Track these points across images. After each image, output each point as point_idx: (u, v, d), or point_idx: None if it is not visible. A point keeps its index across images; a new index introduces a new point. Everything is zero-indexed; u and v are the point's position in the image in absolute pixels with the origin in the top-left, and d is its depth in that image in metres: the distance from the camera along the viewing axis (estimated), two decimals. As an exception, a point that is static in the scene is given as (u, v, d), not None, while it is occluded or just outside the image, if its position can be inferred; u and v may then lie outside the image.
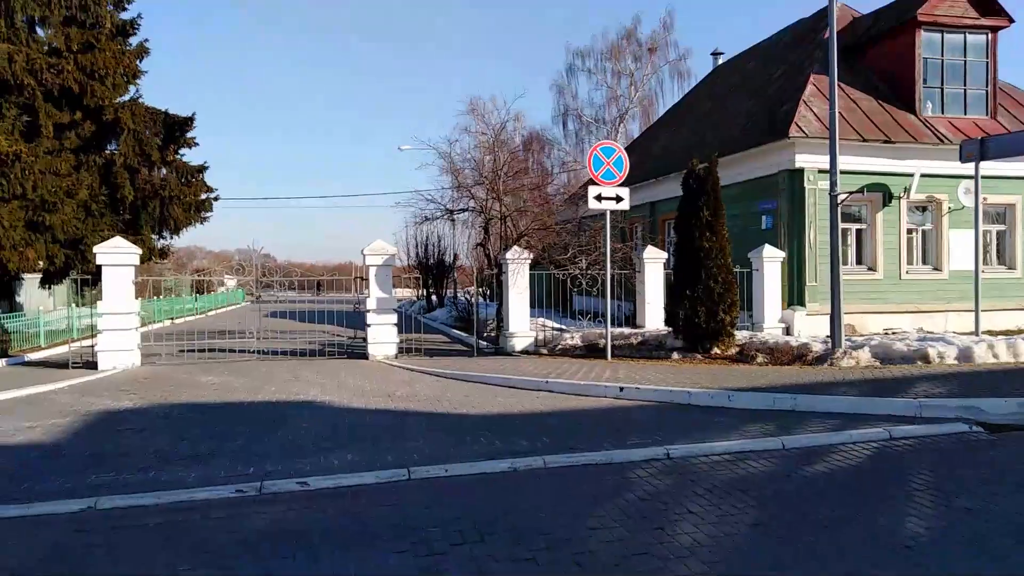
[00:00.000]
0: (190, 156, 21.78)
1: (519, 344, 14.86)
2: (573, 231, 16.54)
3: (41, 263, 16.47)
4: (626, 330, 14.84)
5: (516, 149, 17.71)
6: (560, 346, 15.34)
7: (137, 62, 20.93)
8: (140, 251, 13.74)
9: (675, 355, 12.76)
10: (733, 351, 12.81)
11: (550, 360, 12.99)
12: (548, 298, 16.92)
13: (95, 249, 13.02)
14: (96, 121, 18.68)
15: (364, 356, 14.35)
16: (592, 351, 14.59)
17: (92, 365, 12.86)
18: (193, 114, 19.90)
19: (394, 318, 14.49)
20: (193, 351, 14.97)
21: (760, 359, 12.03)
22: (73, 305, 18.52)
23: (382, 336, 14.38)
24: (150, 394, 9.91)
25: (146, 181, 19.32)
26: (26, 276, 21.13)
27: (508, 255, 14.88)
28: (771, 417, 7.69)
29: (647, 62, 38.44)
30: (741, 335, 13.35)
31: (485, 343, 15.64)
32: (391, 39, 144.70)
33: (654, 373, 10.47)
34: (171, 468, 5.99)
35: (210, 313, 35.71)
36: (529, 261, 15.07)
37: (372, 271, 14.44)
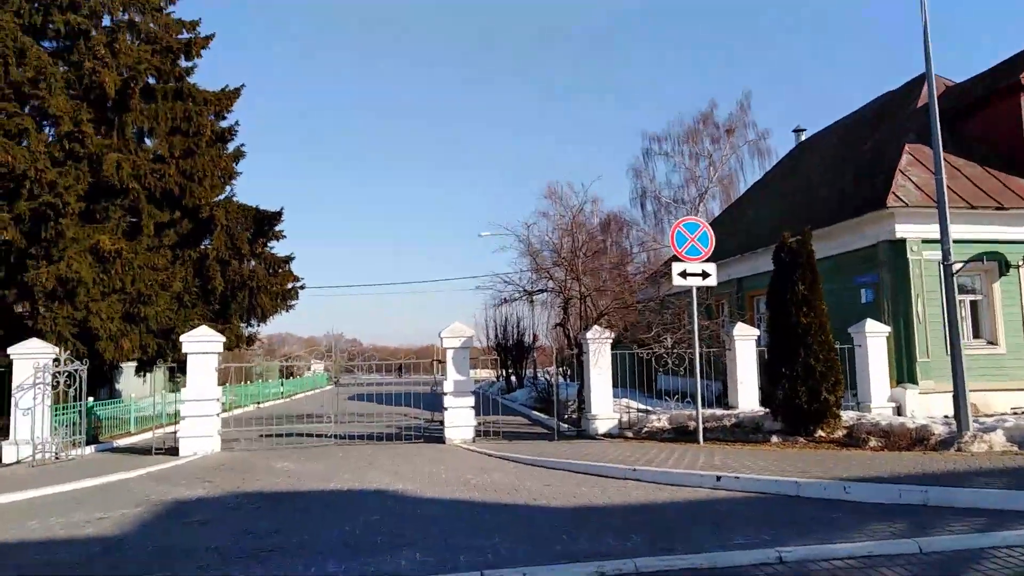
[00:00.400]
0: (277, 248, 22.52)
1: (602, 427, 14.07)
2: (656, 309, 15.87)
3: (135, 352, 17.04)
4: (717, 411, 13.82)
5: (594, 230, 17.43)
6: (646, 428, 14.44)
7: (233, 164, 22.19)
8: (224, 339, 13.97)
9: (774, 438, 11.67)
10: (839, 434, 11.62)
11: (636, 444, 12.13)
12: (631, 378, 16.13)
13: (181, 338, 13.31)
14: (193, 219, 19.67)
15: (441, 440, 13.87)
16: (682, 434, 13.62)
17: (174, 451, 12.90)
18: (281, 209, 20.71)
19: (471, 400, 14.04)
20: (272, 436, 14.89)
21: (873, 443, 10.81)
22: (164, 392, 19.04)
23: (459, 419, 13.90)
24: (224, 482, 9.69)
25: (236, 273, 19.99)
26: (123, 364, 22.05)
27: (588, 334, 14.32)
28: (899, 513, 6.65)
29: (725, 143, 38.15)
30: (848, 416, 12.14)
31: (566, 426, 14.91)
32: (467, 124, 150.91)
33: (753, 459, 9.49)
34: (229, 567, 5.58)
35: (295, 397, 36.28)
36: (611, 340, 14.45)
37: (449, 354, 14.14)
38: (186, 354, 13.27)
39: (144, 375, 22.18)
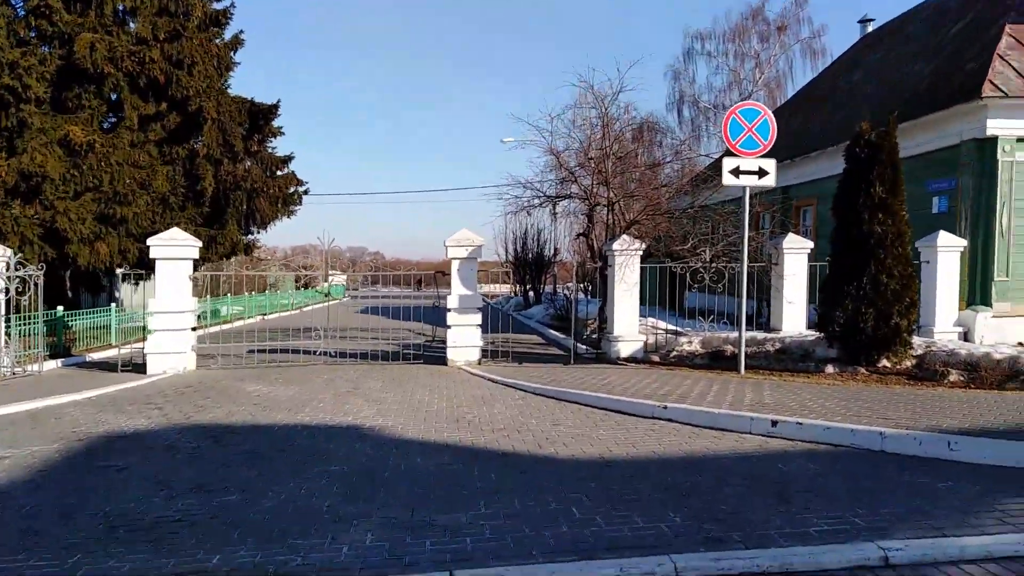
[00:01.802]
0: (276, 148, 20.57)
1: (625, 349, 12.40)
2: (693, 218, 13.82)
3: (115, 258, 15.53)
4: (758, 334, 12.02)
5: (625, 129, 15.15)
6: (675, 353, 12.75)
7: (231, 54, 19.98)
8: (198, 243, 12.31)
9: (829, 368, 9.89)
10: (907, 364, 9.82)
11: (664, 372, 10.44)
12: (657, 295, 14.38)
13: (148, 241, 11.66)
14: (182, 112, 17.72)
15: (443, 361, 12.33)
16: (717, 360, 11.90)
17: (142, 368, 11.52)
18: (278, 101, 18.68)
19: (478, 318, 12.37)
20: (264, 351, 13.46)
21: (953, 377, 9.00)
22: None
23: (463, 339, 12.29)
24: (177, 410, 8.22)
25: (228, 173, 18.20)
26: (119, 271, 20.70)
27: (615, 245, 12.45)
28: (1032, 483, 4.89)
29: (775, 42, 34.90)
30: (916, 342, 10.29)
31: (585, 347, 13.26)
32: (495, 28, 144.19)
33: (811, 396, 7.74)
34: (108, 549, 4.03)
35: (305, 309, 35.12)
36: (640, 252, 12.57)
37: (455, 265, 12.39)
38: (154, 259, 11.68)
39: (137, 283, 20.89)
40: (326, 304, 39.85)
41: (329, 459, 5.92)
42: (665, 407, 7.36)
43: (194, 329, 12.14)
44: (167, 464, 5.86)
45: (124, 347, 12.75)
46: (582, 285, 25.24)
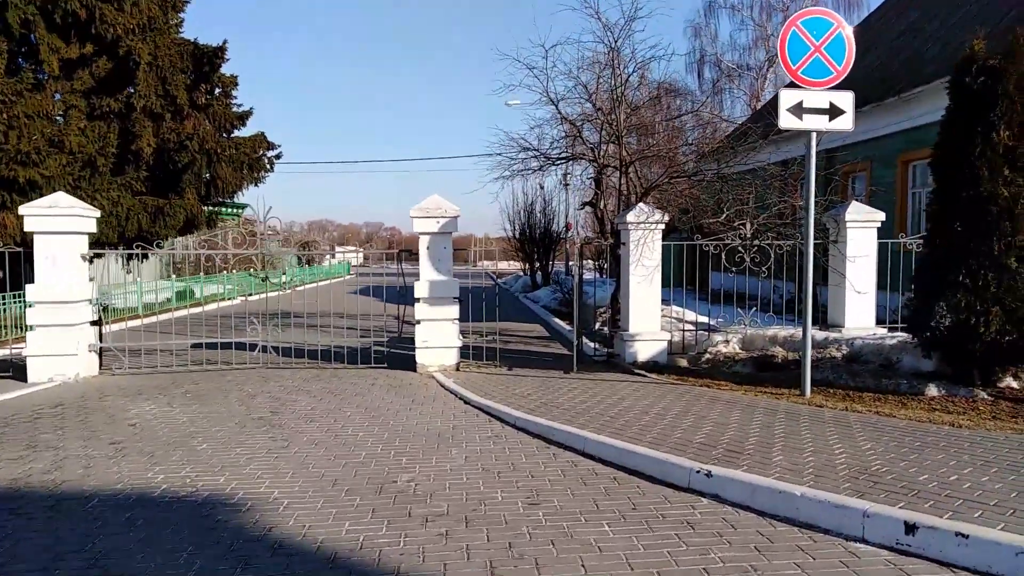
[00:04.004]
0: (240, 103, 17.74)
1: (643, 351, 9.71)
2: (729, 180, 10.90)
3: (19, 232, 12.87)
4: (817, 332, 9.22)
5: (641, 70, 12.23)
6: (708, 356, 10.04)
7: (175, -11, 17.15)
8: (95, 212, 9.63)
9: (931, 390, 7.11)
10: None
11: (696, 388, 7.69)
12: (676, 274, 11.61)
13: (21, 209, 8.98)
14: (112, 56, 14.96)
15: (412, 363, 9.66)
16: (764, 368, 9.18)
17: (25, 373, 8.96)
18: (225, 42, 15.74)
19: (454, 310, 9.65)
20: (212, 346, 10.84)
21: None
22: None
23: (436, 337, 9.59)
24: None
25: (172, 130, 15.46)
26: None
27: (630, 217, 9.69)
28: None
29: (806, -8, 31.41)
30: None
31: (593, 345, 10.55)
32: None
33: (939, 452, 4.95)
34: None
35: (299, 288, 32.47)
36: (662, 227, 9.81)
37: (423, 242, 9.67)
38: (31, 234, 9.04)
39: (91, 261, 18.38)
40: (329, 282, 37.30)
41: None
42: (709, 474, 4.61)
43: (95, 323, 9.51)
44: None
45: (18, 344, 10.14)
46: (594, 263, 22.43)
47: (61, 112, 13.63)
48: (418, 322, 9.62)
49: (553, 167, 13.24)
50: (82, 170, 13.43)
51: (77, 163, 13.24)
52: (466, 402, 7.62)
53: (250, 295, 25.24)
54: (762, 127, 11.25)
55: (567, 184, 31.81)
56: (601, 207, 12.51)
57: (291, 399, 7.82)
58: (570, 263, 31.14)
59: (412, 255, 10.18)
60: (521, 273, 34.89)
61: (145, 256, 18.41)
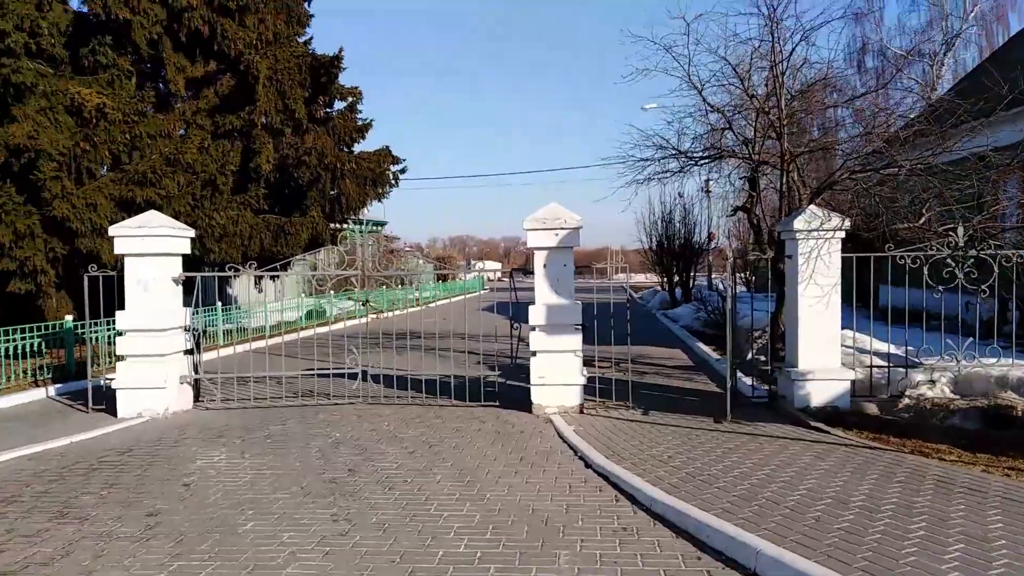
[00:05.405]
0: (363, 115, 17.18)
1: (818, 394, 7.60)
2: (938, 175, 8.42)
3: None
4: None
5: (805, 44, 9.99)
6: (907, 402, 7.72)
7: (304, 2, 16.90)
8: (189, 232, 8.91)
9: None
10: None
11: (907, 459, 5.53)
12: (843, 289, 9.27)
13: (111, 230, 8.36)
14: (235, 73, 14.74)
15: (526, 403, 8.11)
16: (995, 426, 6.80)
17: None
18: (340, 50, 15.02)
19: (577, 340, 8.00)
20: (323, 374, 9.93)
21: None
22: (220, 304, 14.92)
23: (555, 372, 7.98)
24: (24, 517, 4.68)
25: (291, 146, 15.01)
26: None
27: (798, 223, 7.66)
28: None
29: (990, -42, 27.06)
30: None
31: (750, 381, 8.51)
32: None
33: None
34: None
35: (431, 305, 32.08)
36: (841, 235, 7.68)
37: (539, 258, 8.12)
38: (121, 256, 8.43)
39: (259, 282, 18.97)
40: (463, 298, 36.85)
41: None
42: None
43: (188, 352, 8.76)
44: None
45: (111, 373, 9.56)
46: (743, 276, 19.93)
47: (182, 130, 13.47)
48: (533, 354, 8.05)
49: (696, 167, 11.21)
50: (203, 189, 13.15)
51: (198, 182, 12.95)
52: (587, 464, 5.94)
53: (381, 312, 24.90)
54: (973, 104, 8.73)
55: (708, 191, 29.29)
56: (757, 212, 10.39)
57: (378, 451, 6.50)
58: (714, 277, 28.49)
59: (528, 273, 8.65)
60: (658, 288, 32.54)
61: (274, 277, 18.32)
